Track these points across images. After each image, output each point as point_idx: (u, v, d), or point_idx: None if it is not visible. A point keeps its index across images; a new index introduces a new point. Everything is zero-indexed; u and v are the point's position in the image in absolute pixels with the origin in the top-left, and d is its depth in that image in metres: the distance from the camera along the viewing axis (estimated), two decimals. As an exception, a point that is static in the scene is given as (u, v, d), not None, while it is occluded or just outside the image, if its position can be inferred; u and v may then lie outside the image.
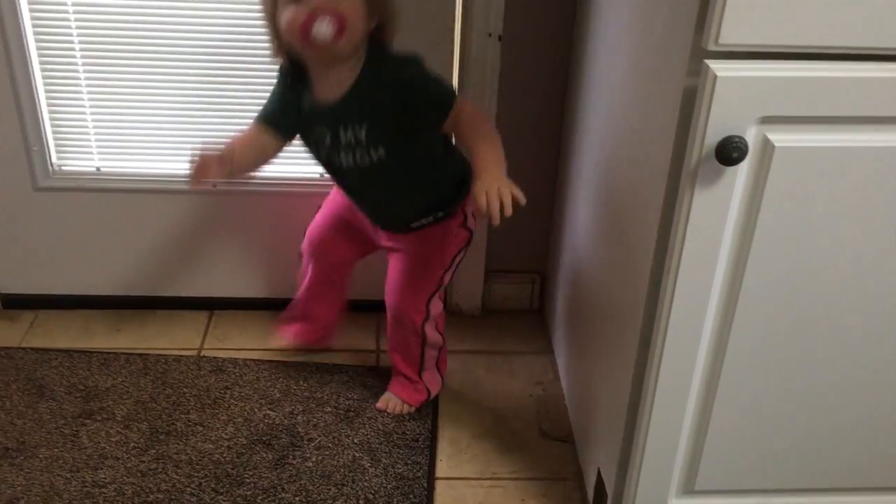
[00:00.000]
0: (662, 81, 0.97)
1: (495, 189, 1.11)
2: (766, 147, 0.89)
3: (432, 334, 1.44)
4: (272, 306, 1.65)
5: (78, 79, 1.51)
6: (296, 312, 1.57)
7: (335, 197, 1.47)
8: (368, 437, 1.42)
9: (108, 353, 1.58)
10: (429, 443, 1.42)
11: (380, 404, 1.48)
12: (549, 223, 1.67)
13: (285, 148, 1.33)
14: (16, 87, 1.49)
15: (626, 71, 1.16)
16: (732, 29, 0.83)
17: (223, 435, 1.41)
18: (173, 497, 1.30)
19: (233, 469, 1.35)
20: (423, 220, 1.37)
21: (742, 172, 0.91)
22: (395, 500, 1.31)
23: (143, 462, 1.35)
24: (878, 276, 0.97)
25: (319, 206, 1.49)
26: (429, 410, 1.48)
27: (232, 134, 1.31)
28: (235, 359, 1.57)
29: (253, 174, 1.36)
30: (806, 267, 0.96)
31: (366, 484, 1.33)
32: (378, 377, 1.53)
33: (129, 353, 1.58)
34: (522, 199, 1.12)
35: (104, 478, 1.32)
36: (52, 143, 1.56)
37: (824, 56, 0.86)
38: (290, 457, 1.37)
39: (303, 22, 1.17)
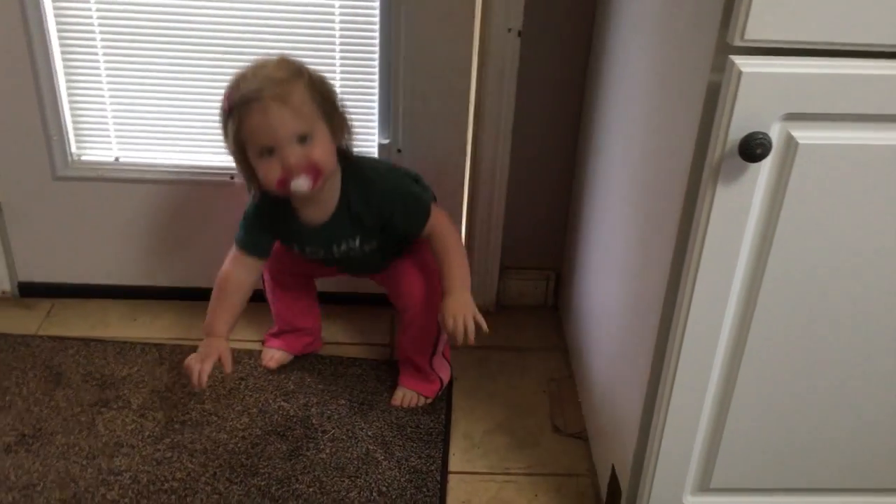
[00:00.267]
0: (686, 77, 0.97)
1: (461, 316, 1.27)
2: (790, 144, 0.89)
3: None
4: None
5: (98, 69, 1.51)
6: (281, 327, 1.57)
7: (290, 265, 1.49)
8: (382, 429, 1.42)
9: (125, 342, 1.59)
10: (442, 437, 1.42)
11: (395, 401, 1.48)
12: (565, 219, 1.66)
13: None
14: (37, 77, 1.49)
15: (648, 66, 1.15)
16: (758, 24, 0.83)
17: (238, 425, 1.41)
18: (188, 485, 1.30)
19: (247, 459, 1.35)
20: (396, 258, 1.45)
21: (765, 169, 0.90)
22: (408, 493, 1.31)
23: (159, 450, 1.36)
24: (900, 276, 0.97)
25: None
26: (443, 405, 1.48)
27: (216, 313, 1.35)
28: (251, 350, 1.58)
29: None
30: (828, 265, 0.96)
31: (379, 476, 1.34)
32: (392, 371, 1.54)
33: (146, 343, 1.59)
34: (486, 328, 1.28)
35: (119, 465, 1.33)
36: (71, 132, 1.57)
37: (850, 53, 0.85)
38: (304, 448, 1.38)
39: (279, 179, 1.21)
